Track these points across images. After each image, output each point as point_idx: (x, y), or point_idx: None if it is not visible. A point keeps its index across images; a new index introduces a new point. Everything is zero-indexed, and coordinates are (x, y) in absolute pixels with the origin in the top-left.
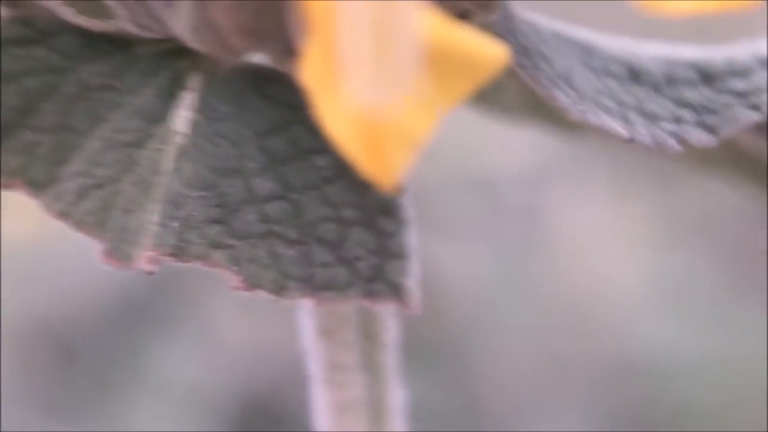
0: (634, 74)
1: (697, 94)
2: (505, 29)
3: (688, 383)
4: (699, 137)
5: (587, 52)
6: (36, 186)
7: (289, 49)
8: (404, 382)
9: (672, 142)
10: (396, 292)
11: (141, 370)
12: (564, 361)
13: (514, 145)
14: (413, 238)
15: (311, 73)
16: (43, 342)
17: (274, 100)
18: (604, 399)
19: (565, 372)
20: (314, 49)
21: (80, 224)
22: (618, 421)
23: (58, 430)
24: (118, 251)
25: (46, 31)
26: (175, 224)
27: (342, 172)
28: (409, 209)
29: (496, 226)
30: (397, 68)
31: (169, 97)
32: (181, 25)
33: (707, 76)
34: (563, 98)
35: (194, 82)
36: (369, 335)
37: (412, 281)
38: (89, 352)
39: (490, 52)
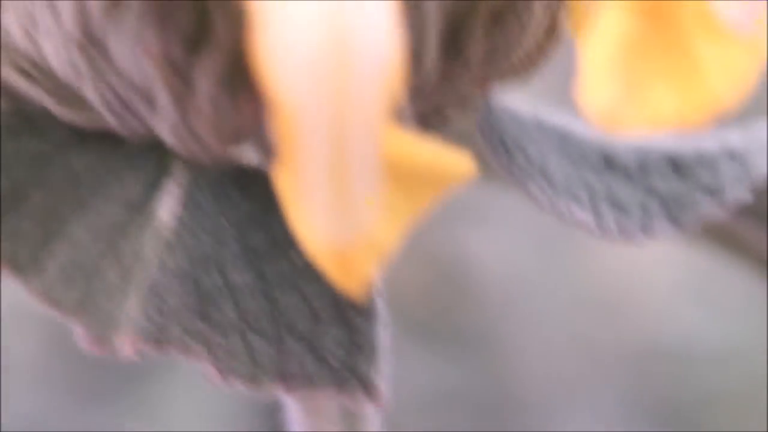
0: (608, 162)
1: (667, 185)
2: (482, 118)
3: (714, 370)
4: (664, 228)
5: (563, 139)
6: (20, 269)
7: (268, 151)
8: (438, 367)
9: (638, 233)
10: (365, 387)
11: (169, 372)
12: (594, 349)
13: None
14: (384, 335)
15: (282, 185)
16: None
17: (254, 195)
18: (633, 385)
19: (596, 359)
20: (285, 163)
21: (63, 308)
22: (647, 406)
23: (93, 416)
24: (99, 336)
25: (35, 121)
26: (155, 313)
27: (317, 268)
28: (381, 306)
29: (529, 215)
30: (359, 197)
31: (153, 187)
32: (162, 128)
33: (677, 166)
34: (535, 191)
35: (178, 173)
36: (352, 412)
37: (381, 377)
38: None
39: (455, 164)
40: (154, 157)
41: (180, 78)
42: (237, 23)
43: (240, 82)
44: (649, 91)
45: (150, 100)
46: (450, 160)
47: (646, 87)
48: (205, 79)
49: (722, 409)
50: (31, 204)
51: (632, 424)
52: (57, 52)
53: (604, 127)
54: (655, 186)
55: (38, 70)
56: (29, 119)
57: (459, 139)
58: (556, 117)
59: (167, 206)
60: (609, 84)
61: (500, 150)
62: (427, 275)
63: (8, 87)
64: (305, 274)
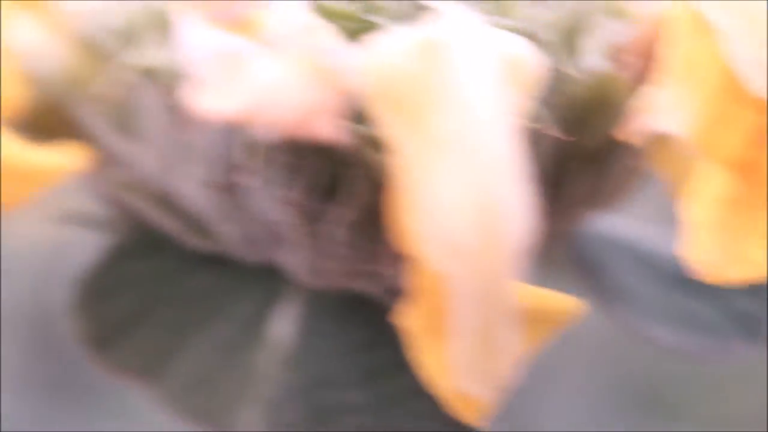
0: (685, 279)
1: (742, 302)
2: (570, 244)
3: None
4: (741, 347)
5: (646, 256)
6: (146, 379)
7: (389, 289)
8: None
9: (717, 353)
10: None
11: None
12: (575, 333)
13: None
14: None
15: (413, 323)
16: (44, 331)
17: (368, 319)
18: (613, 370)
19: (577, 343)
20: (419, 306)
21: (187, 415)
22: (627, 389)
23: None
24: None
25: (157, 243)
26: (274, 427)
27: (426, 399)
28: (486, 426)
29: None
30: (500, 351)
31: (268, 307)
32: (291, 263)
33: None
34: (618, 312)
35: (293, 295)
36: None
37: None
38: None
39: (568, 306)
40: (267, 278)
41: (313, 223)
42: (369, 179)
43: (371, 229)
44: (748, 245)
45: (278, 238)
46: (561, 304)
47: (745, 241)
48: (338, 226)
49: (700, 391)
50: (155, 319)
51: (611, 408)
52: (192, 192)
53: (708, 278)
54: (731, 303)
55: (168, 202)
56: (152, 242)
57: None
58: (639, 232)
59: (282, 326)
60: (711, 239)
61: (585, 273)
62: None
63: (135, 214)
64: (416, 395)
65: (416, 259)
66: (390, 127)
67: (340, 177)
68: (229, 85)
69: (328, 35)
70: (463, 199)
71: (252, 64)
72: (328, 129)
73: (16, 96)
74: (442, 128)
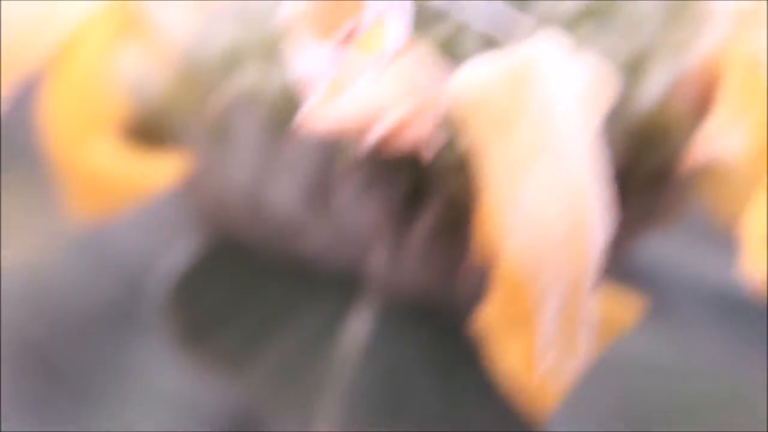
0: (731, 298)
1: None
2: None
3: (671, 383)
4: None
5: (692, 276)
6: (230, 371)
7: (462, 294)
8: None
9: (757, 368)
10: None
11: (125, 378)
12: None
13: None
14: None
15: (491, 321)
16: (26, 352)
17: (437, 322)
18: (589, 396)
19: None
20: (497, 304)
21: (268, 405)
22: (602, 418)
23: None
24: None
25: (243, 250)
26: (351, 419)
27: (494, 391)
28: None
29: None
30: (579, 340)
31: (344, 310)
32: (373, 266)
33: None
34: (668, 326)
35: (368, 300)
36: None
37: None
38: (72, 361)
39: (630, 310)
40: (343, 285)
41: (398, 227)
42: (453, 189)
43: (451, 237)
44: None
45: (365, 244)
46: (625, 306)
47: None
48: (422, 230)
49: (679, 423)
50: (240, 320)
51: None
52: (284, 201)
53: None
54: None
55: (259, 211)
56: (237, 249)
57: None
58: (687, 251)
59: (357, 328)
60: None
61: (635, 281)
62: None
63: (224, 222)
64: (484, 393)
65: (500, 258)
66: (481, 139)
67: (426, 186)
68: (336, 99)
69: (426, 54)
70: (552, 200)
71: (357, 79)
72: (422, 140)
73: (118, 112)
74: (531, 139)
